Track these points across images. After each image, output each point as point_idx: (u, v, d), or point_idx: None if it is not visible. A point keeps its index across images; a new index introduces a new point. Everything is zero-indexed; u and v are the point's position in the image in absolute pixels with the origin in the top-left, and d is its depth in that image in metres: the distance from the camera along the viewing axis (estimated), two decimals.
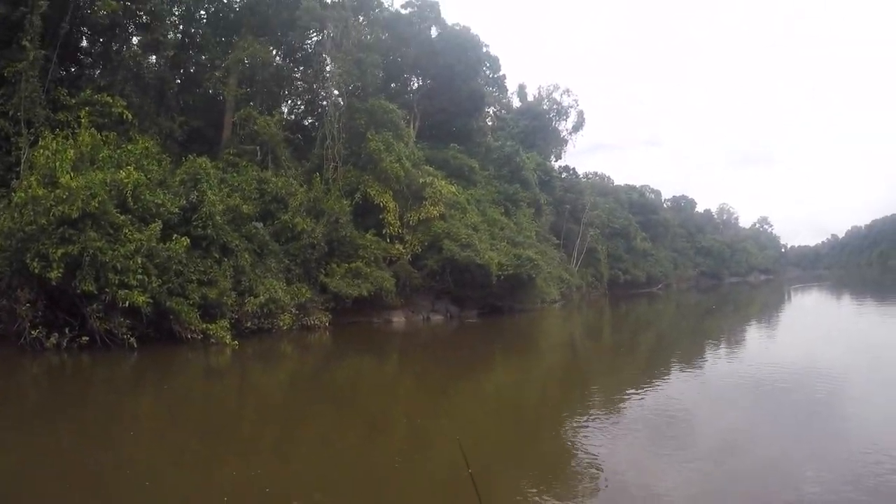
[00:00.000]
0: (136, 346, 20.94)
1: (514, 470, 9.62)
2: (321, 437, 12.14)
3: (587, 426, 12.05)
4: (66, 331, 20.54)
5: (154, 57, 32.85)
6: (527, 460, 10.26)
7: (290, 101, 46.11)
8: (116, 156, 24.54)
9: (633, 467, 9.40)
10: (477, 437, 11.76)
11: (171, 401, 15.65)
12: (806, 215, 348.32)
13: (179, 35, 37.85)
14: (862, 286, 70.83)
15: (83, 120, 24.55)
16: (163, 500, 8.57)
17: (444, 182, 38.46)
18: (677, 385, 16.42)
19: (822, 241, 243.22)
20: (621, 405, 13.85)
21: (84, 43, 31.69)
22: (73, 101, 26.38)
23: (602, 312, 50.21)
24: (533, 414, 14.29)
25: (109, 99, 27.13)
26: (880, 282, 78.71)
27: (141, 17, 30.65)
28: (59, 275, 19.58)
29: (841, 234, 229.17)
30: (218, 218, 24.83)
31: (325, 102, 36.85)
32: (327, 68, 36.82)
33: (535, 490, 8.40)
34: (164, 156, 27.53)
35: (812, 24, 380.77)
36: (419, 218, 35.59)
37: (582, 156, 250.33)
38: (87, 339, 20.63)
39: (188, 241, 23.09)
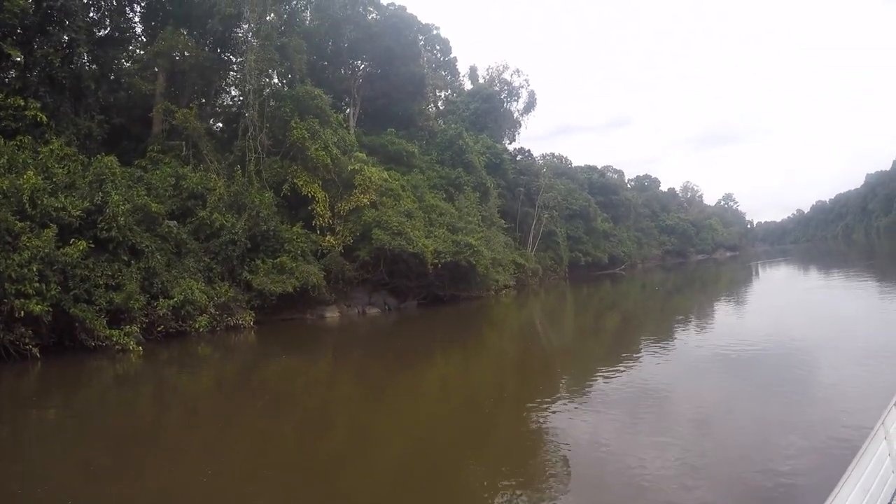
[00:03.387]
0: (38, 356, 20.29)
1: (478, 461, 9.50)
2: (245, 446, 11.19)
3: (553, 411, 11.80)
4: None
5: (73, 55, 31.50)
6: (490, 450, 10.07)
7: (226, 94, 44.76)
8: (20, 161, 23.51)
9: (606, 448, 9.36)
10: (430, 433, 11.43)
11: (74, 413, 14.79)
12: (771, 192, 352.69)
13: (107, 31, 36.45)
14: (827, 259, 71.04)
15: None
16: None
17: (375, 168, 37.10)
18: (644, 366, 15.95)
19: (788, 217, 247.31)
20: (585, 390, 13.49)
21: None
22: None
23: (557, 297, 49.25)
24: (489, 405, 13.40)
25: (22, 102, 25.96)
26: (845, 254, 79.13)
27: (53, 14, 29.31)
28: None
29: (806, 209, 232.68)
30: (121, 219, 23.64)
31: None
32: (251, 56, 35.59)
33: (507, 481, 8.24)
34: (80, 157, 26.38)
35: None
36: (349, 207, 34.37)
37: (548, 139, 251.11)
38: None
39: (85, 244, 22.12)
